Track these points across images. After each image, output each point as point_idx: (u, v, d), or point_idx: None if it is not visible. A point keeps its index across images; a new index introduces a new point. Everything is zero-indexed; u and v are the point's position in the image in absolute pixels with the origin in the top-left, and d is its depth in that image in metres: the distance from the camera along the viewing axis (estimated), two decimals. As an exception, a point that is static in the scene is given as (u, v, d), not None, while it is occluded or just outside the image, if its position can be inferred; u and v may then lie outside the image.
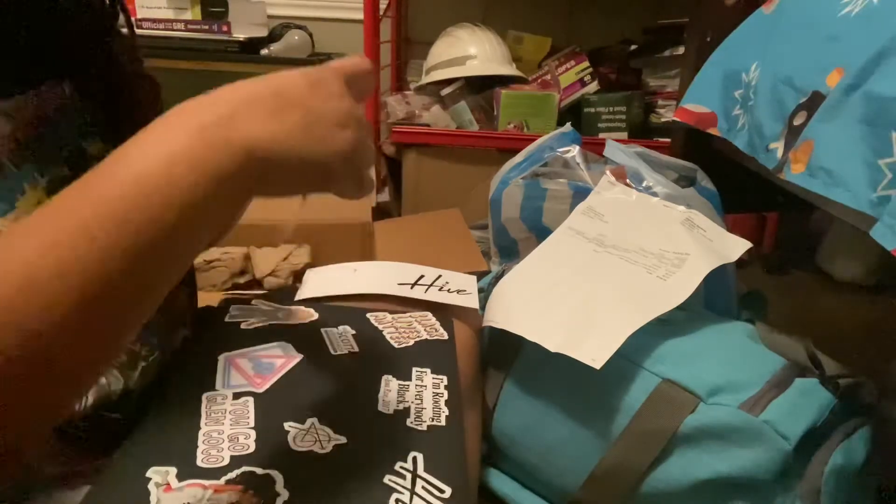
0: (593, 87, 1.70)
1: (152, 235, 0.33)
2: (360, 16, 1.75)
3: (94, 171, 0.35)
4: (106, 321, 0.33)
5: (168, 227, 0.34)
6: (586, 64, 1.70)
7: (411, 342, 0.63)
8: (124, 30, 0.56)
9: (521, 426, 0.74)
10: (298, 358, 0.59)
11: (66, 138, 0.50)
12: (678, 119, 1.01)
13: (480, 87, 1.71)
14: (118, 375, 0.49)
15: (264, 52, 1.96)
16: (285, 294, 0.72)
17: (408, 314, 0.67)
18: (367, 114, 1.77)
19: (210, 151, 0.35)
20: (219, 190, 0.35)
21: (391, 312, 0.67)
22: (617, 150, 0.96)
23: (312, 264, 1.16)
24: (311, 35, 2.06)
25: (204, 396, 0.54)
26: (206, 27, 1.90)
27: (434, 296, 0.67)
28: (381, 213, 1.52)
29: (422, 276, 0.69)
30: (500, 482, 0.78)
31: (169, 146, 0.35)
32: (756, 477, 0.59)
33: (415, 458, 0.50)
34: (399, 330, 0.64)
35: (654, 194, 0.88)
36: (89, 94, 0.54)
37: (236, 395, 0.54)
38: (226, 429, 0.50)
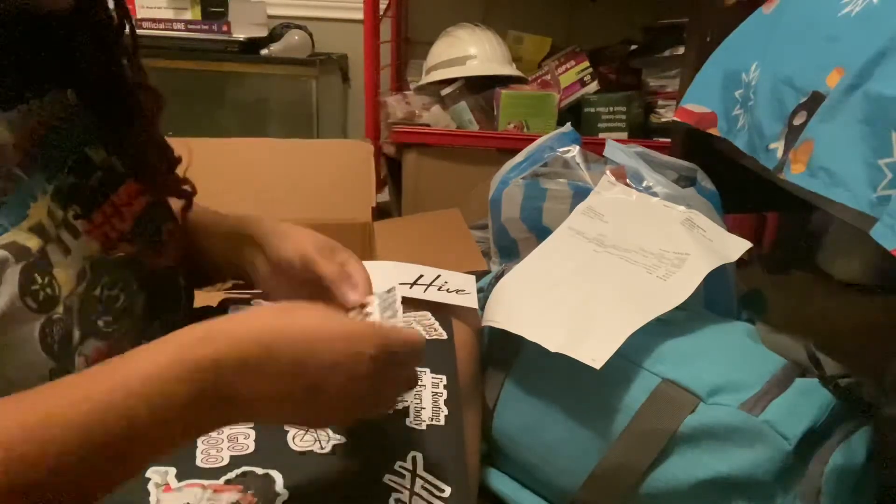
0: (593, 87, 1.70)
1: (113, 448, 0.35)
2: (360, 16, 1.75)
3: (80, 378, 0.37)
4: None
5: (128, 438, 0.35)
6: (586, 64, 1.70)
7: None
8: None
9: (521, 426, 0.74)
10: None
11: (70, 146, 0.50)
12: (678, 119, 1.01)
13: (480, 87, 1.71)
14: None
15: (264, 52, 1.96)
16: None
17: (407, 314, 0.67)
18: (368, 114, 1.77)
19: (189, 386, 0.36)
20: (187, 417, 0.37)
21: None
22: (617, 150, 0.96)
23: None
24: (311, 35, 2.06)
25: None
26: (206, 27, 1.90)
27: (433, 295, 0.67)
28: (381, 213, 1.52)
29: (421, 276, 0.68)
30: (500, 482, 0.78)
31: (142, 368, 0.36)
32: (756, 477, 0.59)
33: (414, 458, 0.50)
34: None
35: (654, 194, 0.88)
36: (91, 102, 0.54)
37: None
38: (225, 429, 0.50)
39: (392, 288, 0.56)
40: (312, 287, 0.57)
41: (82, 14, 0.51)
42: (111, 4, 0.55)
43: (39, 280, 0.43)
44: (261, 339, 0.38)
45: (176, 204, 0.64)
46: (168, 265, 0.57)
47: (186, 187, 0.64)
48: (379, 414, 0.46)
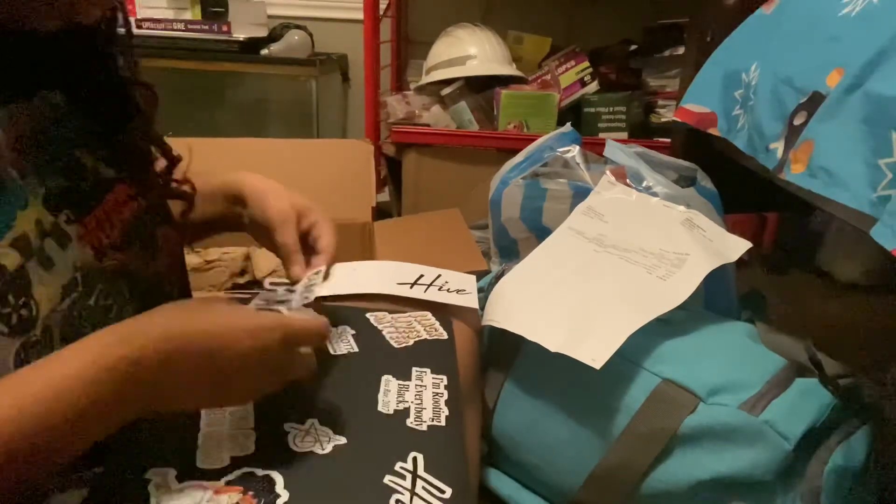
0: (593, 87, 1.70)
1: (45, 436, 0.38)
2: (360, 16, 1.75)
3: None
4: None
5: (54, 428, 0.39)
6: (586, 64, 1.70)
7: (411, 342, 0.63)
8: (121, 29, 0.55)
9: (521, 426, 0.74)
10: None
11: (60, 149, 0.49)
12: (678, 119, 1.01)
13: (480, 87, 1.71)
14: None
15: (264, 52, 1.96)
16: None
17: (407, 314, 0.67)
18: (368, 114, 1.77)
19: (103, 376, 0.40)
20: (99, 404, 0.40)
21: (390, 312, 0.67)
22: (617, 150, 0.96)
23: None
24: (311, 35, 2.06)
25: None
26: (206, 27, 1.90)
27: (433, 295, 0.67)
28: (381, 213, 1.52)
29: (421, 276, 0.68)
30: (500, 482, 0.78)
31: (72, 364, 0.40)
32: (756, 477, 0.59)
33: (415, 459, 0.50)
34: (398, 330, 0.64)
35: (654, 194, 0.88)
36: (83, 101, 0.53)
37: None
38: (225, 430, 0.50)
39: (317, 271, 0.61)
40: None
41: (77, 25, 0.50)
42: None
43: (12, 301, 0.41)
44: (173, 337, 0.42)
45: (176, 206, 0.64)
46: (160, 271, 0.57)
47: (186, 188, 0.64)
48: (280, 388, 0.49)
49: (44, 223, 0.45)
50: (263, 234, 0.65)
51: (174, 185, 0.63)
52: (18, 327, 0.41)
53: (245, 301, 0.72)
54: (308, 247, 0.65)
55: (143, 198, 0.57)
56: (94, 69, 0.54)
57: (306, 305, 0.56)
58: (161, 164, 0.62)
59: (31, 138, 0.46)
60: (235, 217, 0.68)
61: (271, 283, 0.60)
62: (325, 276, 0.63)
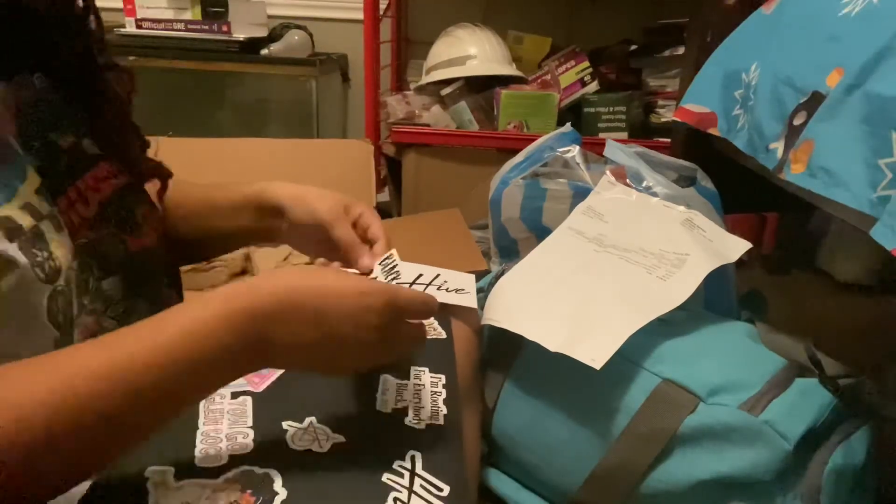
0: (593, 87, 1.70)
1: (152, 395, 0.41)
2: (360, 16, 1.75)
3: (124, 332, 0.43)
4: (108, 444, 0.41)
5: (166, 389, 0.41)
6: (586, 64, 1.70)
7: None
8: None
9: (521, 426, 0.74)
10: None
11: (36, 131, 0.50)
12: (678, 119, 1.01)
13: (480, 87, 1.71)
14: None
15: (264, 51, 1.96)
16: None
17: None
18: (367, 114, 1.77)
19: (226, 334, 0.43)
20: (223, 362, 0.43)
21: None
22: (617, 150, 0.96)
23: (312, 264, 1.16)
24: (311, 35, 2.06)
25: None
26: (206, 27, 1.90)
27: (432, 295, 0.67)
28: (381, 213, 1.52)
29: (420, 275, 0.68)
30: (500, 482, 0.78)
31: (196, 315, 0.43)
32: (756, 477, 0.59)
33: (413, 457, 0.50)
34: None
35: (654, 194, 0.88)
36: (60, 86, 0.54)
37: (234, 395, 0.54)
38: (224, 428, 0.50)
39: (389, 254, 0.62)
40: (331, 248, 0.64)
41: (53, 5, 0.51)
42: None
43: (40, 254, 0.44)
44: (288, 293, 0.45)
45: (153, 188, 0.64)
46: (145, 246, 0.57)
47: (162, 169, 0.65)
48: (389, 361, 0.52)
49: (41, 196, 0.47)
50: (310, 236, 0.65)
51: (151, 166, 0.63)
52: (50, 275, 0.44)
53: None
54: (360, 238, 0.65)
55: (124, 175, 0.57)
56: (69, 53, 0.55)
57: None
58: (141, 151, 0.63)
59: (14, 117, 0.48)
60: (267, 229, 0.68)
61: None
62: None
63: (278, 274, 0.47)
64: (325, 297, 0.46)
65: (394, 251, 0.63)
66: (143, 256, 0.57)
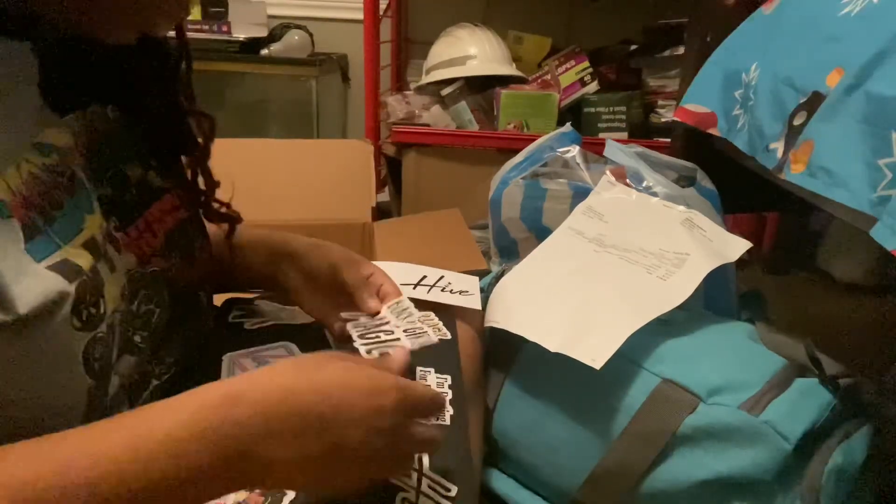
0: (593, 87, 1.70)
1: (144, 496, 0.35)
2: (360, 16, 1.75)
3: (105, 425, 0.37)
4: None
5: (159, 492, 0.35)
6: (586, 64, 1.70)
7: None
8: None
9: (521, 426, 0.74)
10: None
11: (108, 161, 0.50)
12: (678, 119, 1.01)
13: (480, 87, 1.71)
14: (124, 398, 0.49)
15: (264, 52, 1.96)
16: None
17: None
18: (367, 114, 1.78)
19: (210, 447, 0.36)
20: (208, 480, 0.36)
21: None
22: (617, 150, 0.96)
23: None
24: (311, 35, 2.06)
25: None
26: (206, 27, 1.90)
27: (436, 296, 0.67)
28: (381, 213, 1.52)
29: (424, 277, 0.68)
30: (500, 482, 0.78)
31: (170, 426, 0.36)
32: (756, 477, 0.59)
33: (420, 457, 0.50)
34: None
35: (654, 194, 0.88)
36: (139, 121, 0.54)
37: None
38: None
39: (399, 300, 0.60)
40: (339, 293, 0.61)
41: (145, 46, 0.51)
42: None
43: (87, 298, 0.42)
44: (285, 398, 0.38)
45: (220, 227, 0.64)
46: (195, 280, 0.58)
47: (233, 214, 0.64)
48: (394, 475, 0.45)
49: (103, 227, 0.47)
50: (320, 283, 0.62)
51: (217, 205, 0.62)
52: (90, 323, 0.42)
53: (247, 303, 0.72)
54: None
55: (186, 210, 0.57)
56: (152, 90, 0.55)
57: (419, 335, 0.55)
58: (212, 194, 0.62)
59: (88, 147, 0.48)
60: (273, 276, 0.65)
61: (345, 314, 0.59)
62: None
63: (270, 373, 0.40)
64: (330, 399, 0.39)
65: (404, 297, 0.61)
66: (196, 290, 0.58)
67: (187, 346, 0.57)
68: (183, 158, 0.59)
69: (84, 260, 0.42)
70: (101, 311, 0.43)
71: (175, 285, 0.54)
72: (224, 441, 0.36)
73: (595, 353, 0.63)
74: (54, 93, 0.45)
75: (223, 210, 0.63)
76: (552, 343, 0.66)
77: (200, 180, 0.61)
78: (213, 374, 0.57)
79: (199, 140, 0.59)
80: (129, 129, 0.53)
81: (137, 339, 0.49)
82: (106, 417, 0.38)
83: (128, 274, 0.48)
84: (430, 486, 0.47)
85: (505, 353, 0.75)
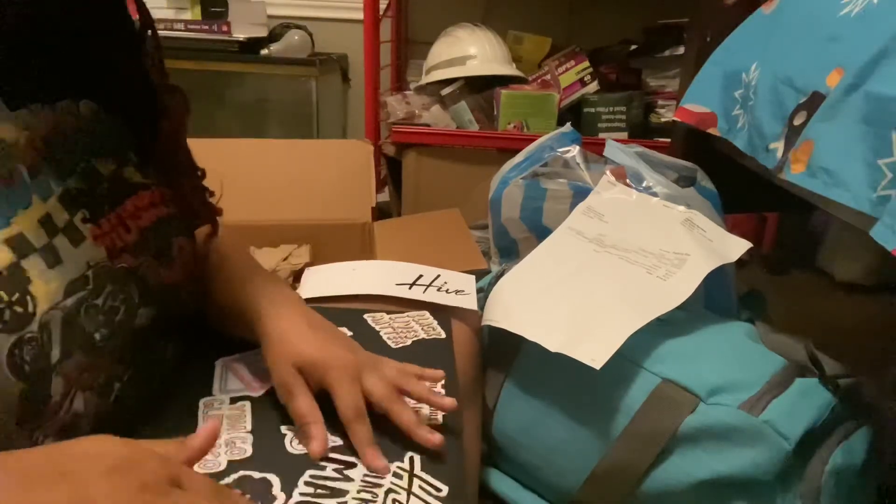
0: (593, 87, 1.70)
1: None
2: (360, 16, 1.75)
3: None
4: None
5: None
6: (586, 64, 1.70)
7: (409, 342, 0.63)
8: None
9: (521, 426, 0.74)
10: None
11: (78, 156, 0.50)
12: (678, 119, 1.01)
13: (480, 87, 1.71)
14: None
15: (264, 52, 1.96)
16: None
17: (405, 314, 0.67)
18: (367, 114, 1.77)
19: None
20: None
21: (388, 312, 0.67)
22: (617, 150, 0.96)
23: (312, 264, 1.15)
24: (311, 35, 2.06)
25: (201, 402, 0.54)
26: (206, 27, 1.90)
27: (432, 296, 0.67)
28: (381, 213, 1.52)
29: (420, 276, 0.68)
30: (500, 482, 0.78)
31: None
32: (756, 477, 0.59)
33: (412, 458, 0.50)
34: (396, 330, 0.64)
35: (654, 194, 0.88)
36: (114, 107, 0.53)
37: (233, 400, 0.54)
38: (222, 433, 0.50)
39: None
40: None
41: (101, 18, 0.50)
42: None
43: (6, 297, 0.40)
44: None
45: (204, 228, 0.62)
46: (175, 281, 0.56)
47: (216, 213, 0.62)
48: None
49: (56, 220, 0.46)
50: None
51: (204, 202, 0.60)
52: (13, 323, 0.41)
53: None
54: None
55: (167, 207, 0.56)
56: (119, 69, 0.54)
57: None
58: (196, 181, 0.61)
59: (51, 140, 0.47)
60: (245, 325, 0.58)
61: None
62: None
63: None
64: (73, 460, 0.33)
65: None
66: (173, 290, 0.56)
67: (166, 351, 0.56)
68: (161, 138, 0.57)
69: (2, 256, 0.41)
70: (29, 309, 0.42)
71: (147, 283, 0.52)
72: None
73: (595, 353, 0.63)
74: (4, 86, 0.44)
75: (204, 200, 0.60)
76: (552, 343, 0.66)
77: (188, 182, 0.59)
78: (206, 379, 0.57)
79: (175, 115, 0.57)
80: (103, 124, 0.53)
81: (97, 336, 0.47)
82: (56, 421, 0.36)
83: (93, 268, 0.47)
84: (420, 487, 0.47)
85: (505, 353, 0.75)
